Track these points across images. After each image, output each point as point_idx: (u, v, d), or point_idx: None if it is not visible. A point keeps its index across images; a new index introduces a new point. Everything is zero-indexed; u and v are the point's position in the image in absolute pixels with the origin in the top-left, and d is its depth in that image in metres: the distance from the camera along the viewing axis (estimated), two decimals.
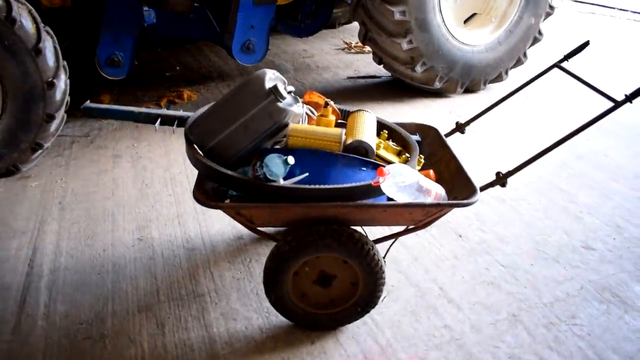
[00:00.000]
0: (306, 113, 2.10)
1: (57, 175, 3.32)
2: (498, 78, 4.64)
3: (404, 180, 1.71)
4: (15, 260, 2.51)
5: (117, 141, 3.78)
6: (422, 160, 2.11)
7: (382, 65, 4.55)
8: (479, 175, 2.05)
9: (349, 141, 1.91)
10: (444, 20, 4.20)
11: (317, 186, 1.74)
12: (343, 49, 5.99)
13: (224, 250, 2.58)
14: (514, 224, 2.83)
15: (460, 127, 2.44)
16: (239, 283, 2.33)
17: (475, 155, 3.54)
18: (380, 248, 2.00)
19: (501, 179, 1.95)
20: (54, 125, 3.31)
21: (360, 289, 1.93)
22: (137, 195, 3.05)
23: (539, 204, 3.02)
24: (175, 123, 2.27)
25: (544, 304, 2.26)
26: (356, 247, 1.83)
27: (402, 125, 2.42)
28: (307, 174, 1.78)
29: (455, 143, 2.34)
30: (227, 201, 1.94)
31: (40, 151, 3.34)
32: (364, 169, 1.87)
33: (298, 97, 2.06)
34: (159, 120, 2.26)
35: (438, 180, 2.12)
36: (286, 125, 1.92)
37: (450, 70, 4.33)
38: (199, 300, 2.24)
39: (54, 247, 2.60)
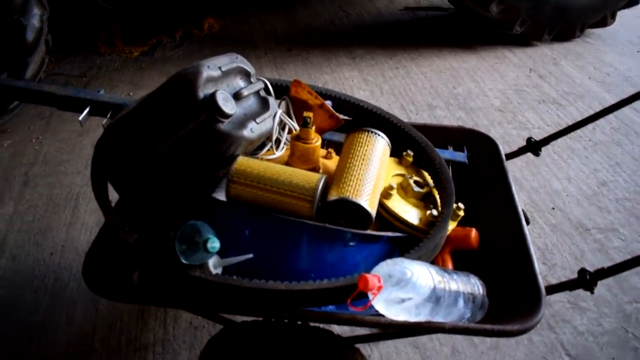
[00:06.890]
0: (285, 128, 1.37)
1: (34, 130, 2.81)
2: (601, 22, 3.49)
3: (404, 298, 1.00)
4: None
5: (113, 86, 3.19)
6: (461, 213, 1.33)
7: None
8: None
9: (333, 196, 1.18)
10: None
11: (256, 283, 1.04)
12: None
13: None
14: None
15: (533, 147, 1.61)
16: (196, 335, 1.76)
17: None
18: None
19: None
20: (30, 72, 2.75)
21: None
22: None
23: None
24: (110, 114, 1.60)
25: None
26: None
27: (444, 129, 1.65)
28: (250, 255, 1.10)
29: None
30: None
31: (16, 102, 2.83)
32: (352, 244, 1.16)
33: (270, 99, 1.32)
34: (87, 108, 1.60)
35: (482, 241, 1.38)
36: (232, 158, 1.20)
37: (537, 12, 3.26)
38: (137, 356, 1.70)
39: None
